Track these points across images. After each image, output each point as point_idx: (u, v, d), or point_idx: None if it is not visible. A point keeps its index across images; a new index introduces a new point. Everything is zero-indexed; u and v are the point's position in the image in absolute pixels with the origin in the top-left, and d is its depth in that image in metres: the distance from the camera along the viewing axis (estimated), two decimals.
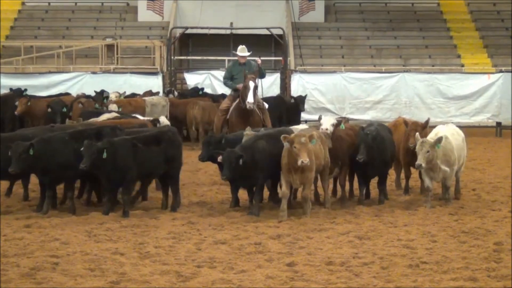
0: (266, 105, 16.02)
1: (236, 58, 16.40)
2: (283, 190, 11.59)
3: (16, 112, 20.73)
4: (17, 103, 21.62)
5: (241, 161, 11.32)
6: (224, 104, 15.91)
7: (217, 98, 23.56)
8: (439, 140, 11.93)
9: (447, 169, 12.22)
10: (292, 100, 24.19)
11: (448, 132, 12.57)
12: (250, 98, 14.84)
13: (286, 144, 11.19)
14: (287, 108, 23.93)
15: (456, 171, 12.87)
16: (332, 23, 37.28)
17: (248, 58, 16.11)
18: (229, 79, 15.94)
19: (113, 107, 19.88)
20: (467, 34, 35.72)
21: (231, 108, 15.41)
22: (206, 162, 13.01)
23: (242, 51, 15.98)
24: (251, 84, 14.86)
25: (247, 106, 14.87)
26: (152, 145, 12.00)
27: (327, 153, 12.15)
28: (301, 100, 24.32)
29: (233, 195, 12.31)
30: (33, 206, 12.45)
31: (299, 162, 11.05)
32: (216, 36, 33.14)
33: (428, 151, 11.87)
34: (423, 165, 11.89)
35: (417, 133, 12.31)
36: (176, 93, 25.91)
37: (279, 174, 11.56)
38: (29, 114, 21.04)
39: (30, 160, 11.42)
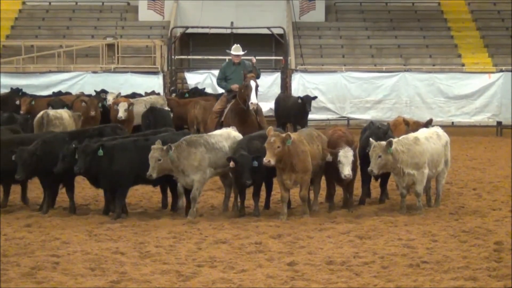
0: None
1: (230, 58, 15.71)
2: (281, 193, 11.59)
3: (21, 111, 20.74)
4: (17, 102, 21.64)
5: (255, 163, 11.28)
6: (217, 105, 15.28)
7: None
8: (389, 143, 11.39)
9: (413, 172, 11.66)
10: (300, 100, 23.67)
11: (424, 135, 12.07)
12: (253, 99, 14.22)
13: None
14: (293, 109, 23.63)
15: (438, 178, 12.47)
16: (332, 22, 37.28)
17: (242, 57, 15.47)
18: (223, 80, 15.26)
19: (123, 105, 20.01)
20: (468, 33, 35.72)
21: (226, 110, 14.80)
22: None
23: (237, 50, 15.29)
24: (253, 84, 14.24)
25: (251, 107, 14.26)
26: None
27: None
28: (307, 100, 23.55)
29: (241, 197, 12.06)
30: (33, 206, 12.45)
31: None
32: (217, 36, 33.11)
33: (380, 156, 11.35)
34: (375, 170, 11.43)
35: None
36: (173, 95, 25.92)
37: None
38: (31, 113, 21.04)
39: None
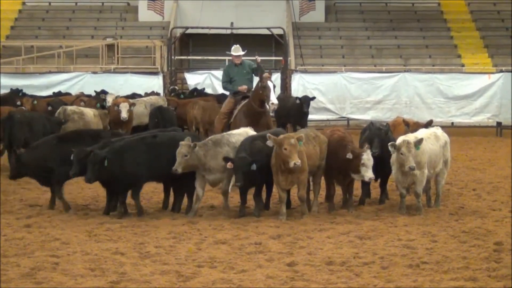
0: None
1: (230, 58, 15.50)
2: (279, 194, 11.58)
3: None
4: (18, 103, 21.63)
5: (254, 167, 11.27)
6: (225, 107, 15.02)
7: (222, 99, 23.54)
8: (419, 141, 11.51)
9: (416, 172, 11.61)
10: (298, 101, 23.52)
11: (422, 135, 11.99)
12: (274, 99, 14.00)
13: (274, 146, 11.20)
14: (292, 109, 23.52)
15: (438, 178, 12.47)
16: (332, 23, 37.31)
17: (243, 58, 15.23)
18: (228, 82, 15.03)
19: (125, 106, 20.05)
20: (468, 34, 35.75)
21: (236, 111, 14.58)
22: None
23: (236, 50, 15.04)
24: (270, 84, 14.03)
25: (272, 108, 14.04)
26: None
27: (323, 154, 12.10)
28: (305, 100, 23.22)
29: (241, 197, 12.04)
30: (33, 206, 12.46)
31: (291, 164, 10.99)
32: (217, 36, 33.16)
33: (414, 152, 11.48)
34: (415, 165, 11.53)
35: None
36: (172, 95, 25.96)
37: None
38: None
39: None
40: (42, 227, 10.78)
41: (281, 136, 11.32)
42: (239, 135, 12.26)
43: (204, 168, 11.69)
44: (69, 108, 18.13)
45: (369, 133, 12.66)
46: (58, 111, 17.96)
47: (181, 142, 11.51)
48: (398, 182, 11.96)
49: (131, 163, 11.49)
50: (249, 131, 12.50)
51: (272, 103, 14.02)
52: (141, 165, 11.56)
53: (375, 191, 13.35)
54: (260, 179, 11.67)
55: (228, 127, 14.36)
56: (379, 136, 12.33)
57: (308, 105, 23.26)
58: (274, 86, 14.19)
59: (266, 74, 14.18)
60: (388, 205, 12.67)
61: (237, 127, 13.60)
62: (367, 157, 11.56)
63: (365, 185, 12.82)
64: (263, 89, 14.10)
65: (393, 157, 11.82)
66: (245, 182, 11.36)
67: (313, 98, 24.12)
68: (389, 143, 11.70)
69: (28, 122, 15.88)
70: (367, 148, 11.74)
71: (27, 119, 16.01)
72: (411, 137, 11.86)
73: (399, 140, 11.67)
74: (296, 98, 23.85)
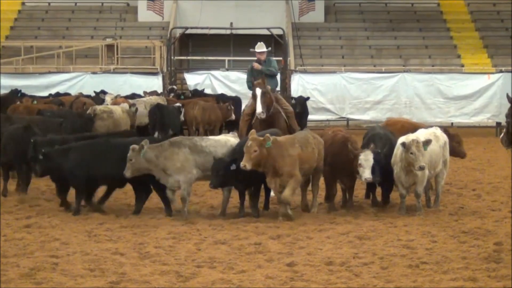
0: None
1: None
2: (276, 195, 11.59)
3: None
4: (18, 103, 21.63)
5: (233, 167, 11.21)
6: (248, 108, 14.54)
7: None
8: (427, 142, 11.55)
9: (418, 173, 11.62)
10: (293, 101, 23.43)
11: (422, 136, 11.99)
12: (258, 108, 13.55)
13: None
14: None
15: (437, 179, 12.48)
16: (332, 23, 37.32)
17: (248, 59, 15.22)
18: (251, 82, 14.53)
19: (122, 105, 20.11)
20: (467, 34, 35.76)
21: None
22: None
23: (260, 47, 14.66)
24: (258, 91, 13.58)
25: (259, 117, 13.60)
26: None
27: (321, 156, 12.08)
28: (299, 101, 23.18)
29: (240, 198, 12.01)
30: (33, 206, 12.46)
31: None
32: (216, 36, 33.18)
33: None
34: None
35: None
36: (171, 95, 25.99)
37: None
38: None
39: None
40: (42, 227, 10.79)
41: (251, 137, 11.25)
42: (215, 141, 12.06)
43: (157, 170, 11.43)
44: (99, 107, 18.33)
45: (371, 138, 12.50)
46: (88, 111, 18.17)
47: (417, 140, 11.36)
48: (400, 182, 11.94)
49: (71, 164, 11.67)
50: (230, 139, 12.25)
51: (256, 113, 13.58)
52: (82, 167, 11.65)
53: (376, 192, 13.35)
54: (257, 179, 11.65)
55: (251, 127, 14.04)
56: (379, 163, 12.07)
57: (302, 105, 23.12)
58: (264, 93, 13.61)
59: (257, 81, 13.76)
60: (388, 205, 12.67)
61: (256, 128, 13.22)
62: (364, 158, 11.52)
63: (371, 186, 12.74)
64: (252, 97, 13.86)
65: (395, 157, 11.82)
66: (220, 184, 11.39)
67: (307, 98, 24.10)
68: (400, 142, 11.64)
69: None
70: (371, 149, 11.70)
71: (57, 116, 16.47)
72: (411, 137, 11.86)
73: (406, 139, 11.65)
74: (292, 98, 23.86)
